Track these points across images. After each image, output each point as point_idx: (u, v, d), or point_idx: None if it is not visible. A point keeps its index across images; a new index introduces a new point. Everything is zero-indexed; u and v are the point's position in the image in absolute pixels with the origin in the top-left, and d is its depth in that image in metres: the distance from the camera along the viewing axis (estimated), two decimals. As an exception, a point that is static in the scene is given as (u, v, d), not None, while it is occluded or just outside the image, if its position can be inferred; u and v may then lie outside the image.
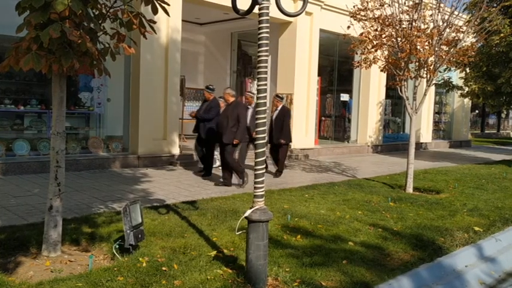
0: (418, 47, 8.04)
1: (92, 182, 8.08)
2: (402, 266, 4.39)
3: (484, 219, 6.39)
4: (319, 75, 14.32)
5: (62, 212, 4.26)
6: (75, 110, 10.18)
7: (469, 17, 9.83)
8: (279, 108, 9.71)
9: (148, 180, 8.57)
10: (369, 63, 8.84)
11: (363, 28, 8.69)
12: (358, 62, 9.11)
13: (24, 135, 9.42)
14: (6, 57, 3.75)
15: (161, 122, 10.48)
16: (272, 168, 9.99)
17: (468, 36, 8.80)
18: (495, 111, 30.21)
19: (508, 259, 5.42)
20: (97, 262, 4.14)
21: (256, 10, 3.66)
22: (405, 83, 8.66)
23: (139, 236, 4.24)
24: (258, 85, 3.64)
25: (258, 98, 3.66)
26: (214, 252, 4.36)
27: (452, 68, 9.66)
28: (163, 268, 3.88)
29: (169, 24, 10.34)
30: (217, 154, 9.59)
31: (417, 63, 8.45)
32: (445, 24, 8.13)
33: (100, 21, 4.07)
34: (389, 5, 8.31)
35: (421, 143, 18.55)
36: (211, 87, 9.50)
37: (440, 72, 9.15)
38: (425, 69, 8.40)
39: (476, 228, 5.87)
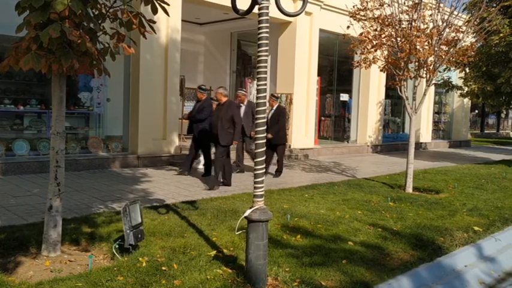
0: (418, 47, 8.04)
1: (91, 182, 8.08)
2: (402, 265, 4.39)
3: (483, 219, 6.40)
4: (318, 75, 14.33)
5: (61, 212, 4.26)
6: (74, 110, 10.18)
7: (469, 17, 9.83)
8: (274, 108, 9.71)
9: (148, 180, 8.57)
10: (368, 63, 8.84)
11: (363, 28, 8.69)
12: (357, 62, 9.11)
13: (24, 135, 9.42)
14: (6, 57, 3.76)
15: (161, 122, 10.48)
16: (270, 168, 9.95)
17: (468, 36, 8.80)
18: (495, 111, 30.29)
19: (508, 259, 5.42)
20: (97, 262, 4.14)
21: (255, 10, 3.66)
22: (405, 83, 8.67)
23: (139, 235, 4.24)
24: (258, 85, 3.64)
25: (257, 98, 3.66)
26: (214, 252, 4.36)
27: (451, 68, 9.67)
28: (163, 268, 3.88)
29: (169, 24, 10.34)
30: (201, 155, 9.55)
31: (417, 63, 8.45)
32: (445, 24, 8.14)
33: (100, 21, 4.07)
34: (388, 5, 8.31)
35: (421, 143, 18.56)
36: (203, 87, 9.45)
37: (439, 72, 9.15)
38: (425, 69, 8.40)
39: (476, 228, 5.88)
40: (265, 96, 3.73)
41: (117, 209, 5.85)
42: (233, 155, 9.97)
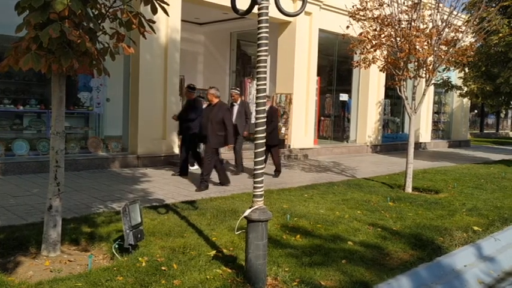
0: (417, 47, 8.05)
1: (91, 182, 8.08)
2: (401, 265, 4.39)
3: (483, 219, 6.40)
4: (318, 75, 14.34)
5: (61, 211, 4.26)
6: (74, 110, 10.18)
7: (468, 17, 9.82)
8: (266, 108, 9.67)
9: (148, 180, 8.57)
10: (368, 63, 8.84)
11: (362, 28, 8.70)
12: (357, 62, 9.11)
13: (24, 135, 9.42)
14: (5, 57, 3.76)
15: (160, 122, 10.47)
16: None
17: (467, 36, 8.81)
18: (494, 111, 30.29)
19: (507, 258, 5.43)
20: (96, 262, 4.14)
21: (255, 10, 3.66)
22: (404, 82, 8.67)
23: (139, 235, 4.24)
24: (257, 85, 3.65)
25: (257, 98, 3.67)
26: (213, 252, 4.36)
27: (451, 68, 9.66)
28: (163, 268, 3.88)
29: (168, 24, 10.33)
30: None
31: (416, 63, 8.45)
32: (444, 24, 8.14)
33: (99, 21, 4.07)
34: (388, 5, 8.32)
35: (420, 142, 18.56)
36: (192, 86, 9.30)
37: (439, 72, 9.16)
38: (425, 69, 8.41)
39: (475, 228, 5.88)
40: (265, 96, 3.73)
41: (117, 209, 5.86)
42: (232, 155, 9.97)
